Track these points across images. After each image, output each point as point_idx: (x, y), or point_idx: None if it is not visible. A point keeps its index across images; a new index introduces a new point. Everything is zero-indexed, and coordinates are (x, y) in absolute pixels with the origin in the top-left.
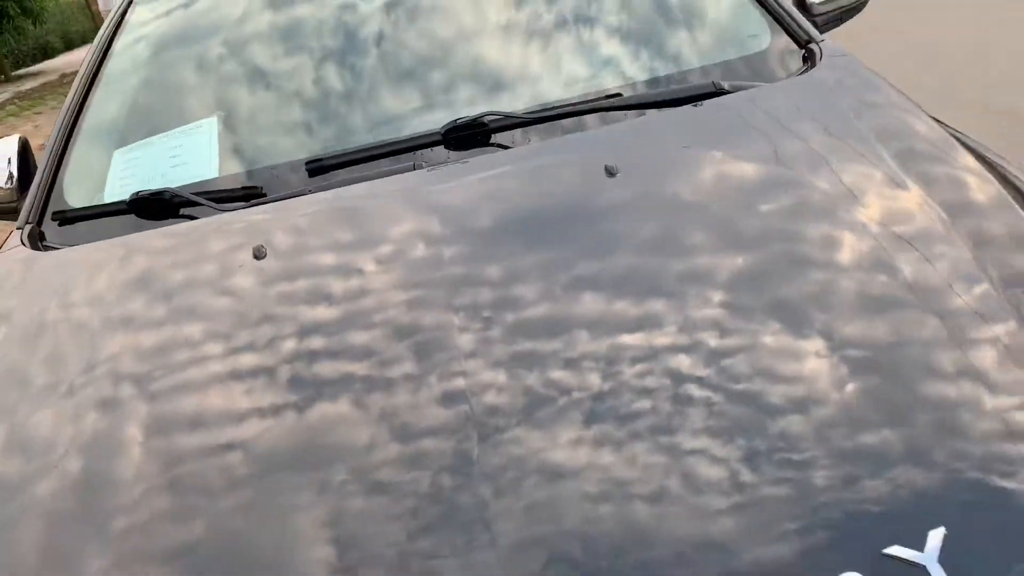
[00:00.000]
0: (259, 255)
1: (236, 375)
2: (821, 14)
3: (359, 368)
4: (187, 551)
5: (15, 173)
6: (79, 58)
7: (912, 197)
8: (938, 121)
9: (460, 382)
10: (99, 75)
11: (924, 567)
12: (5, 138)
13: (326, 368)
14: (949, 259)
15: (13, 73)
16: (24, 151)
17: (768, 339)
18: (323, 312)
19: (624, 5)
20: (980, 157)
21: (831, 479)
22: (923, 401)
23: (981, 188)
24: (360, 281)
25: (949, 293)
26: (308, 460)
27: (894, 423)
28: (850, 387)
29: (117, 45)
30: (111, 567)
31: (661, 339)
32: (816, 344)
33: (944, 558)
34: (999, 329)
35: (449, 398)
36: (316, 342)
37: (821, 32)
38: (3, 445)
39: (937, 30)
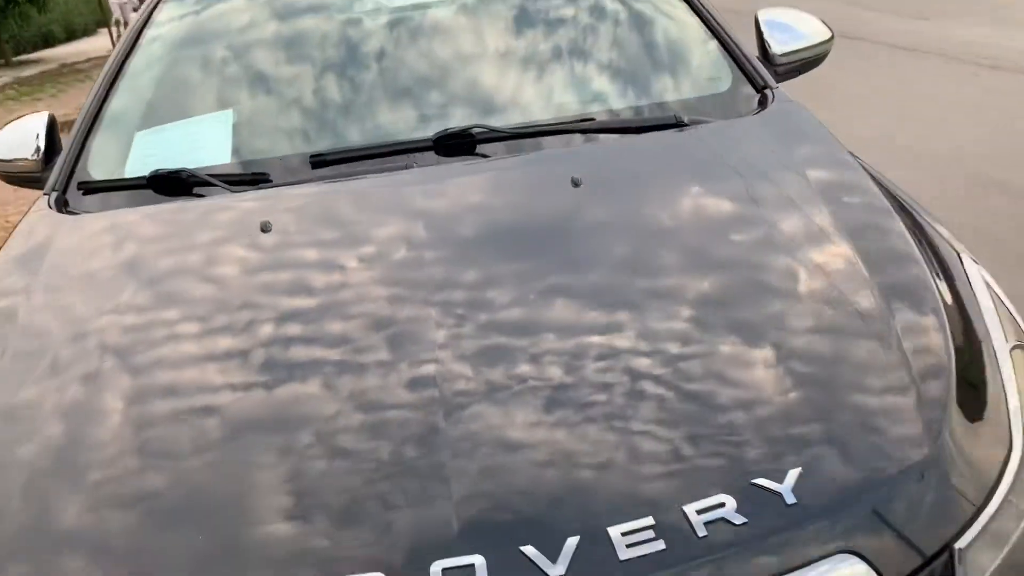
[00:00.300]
0: (265, 229)
1: (247, 311)
2: (782, 64)
3: (347, 309)
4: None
5: (42, 146)
6: (80, 48)
7: (819, 221)
8: (857, 158)
9: (429, 310)
10: (127, 62)
11: (781, 495)
12: (35, 113)
13: (310, 309)
14: (839, 267)
15: (14, 59)
16: (52, 127)
17: (664, 317)
18: (317, 276)
19: (605, 41)
20: (885, 190)
21: (717, 430)
22: (795, 376)
23: (875, 215)
24: (350, 252)
25: (834, 294)
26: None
27: (773, 392)
28: (739, 362)
29: (145, 36)
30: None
31: (593, 314)
32: (711, 321)
33: (797, 489)
34: (871, 322)
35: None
36: (309, 297)
37: (779, 81)
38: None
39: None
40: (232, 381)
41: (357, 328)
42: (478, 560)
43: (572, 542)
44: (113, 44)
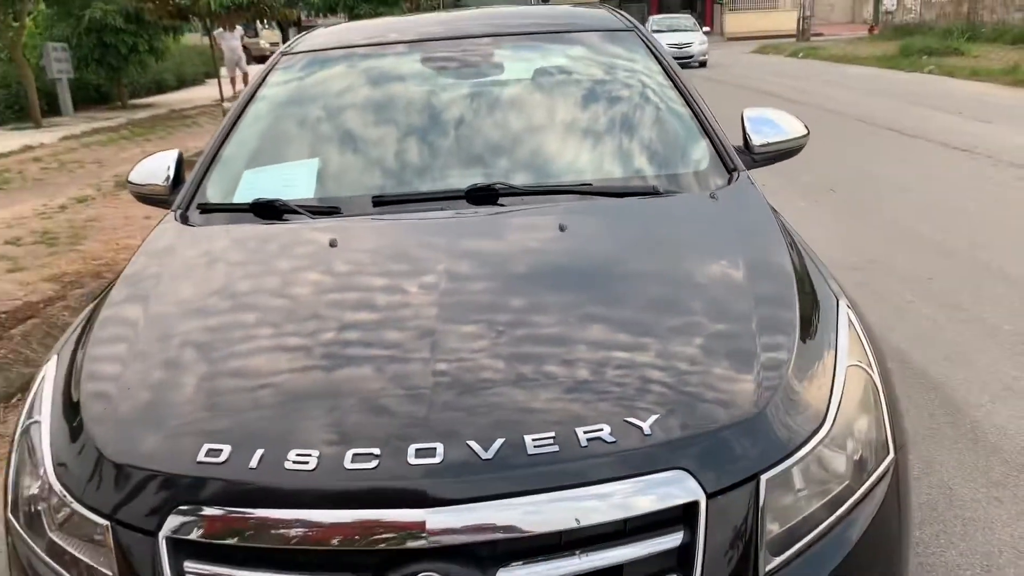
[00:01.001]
0: (333, 243)
1: (314, 296)
2: (760, 154)
3: (380, 290)
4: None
5: (171, 176)
6: (188, 96)
7: (729, 266)
8: (785, 225)
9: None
10: (242, 115)
11: (641, 428)
12: (169, 150)
13: (358, 286)
14: (728, 294)
15: (129, 102)
16: (179, 162)
17: (594, 310)
18: (366, 273)
19: (609, 124)
20: (797, 250)
21: (609, 385)
22: (671, 354)
23: (773, 264)
24: (390, 259)
25: (715, 308)
26: (331, 320)
27: (654, 364)
28: (637, 343)
29: (258, 95)
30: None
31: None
32: (625, 315)
33: (653, 426)
34: (736, 323)
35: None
36: (359, 288)
37: (757, 166)
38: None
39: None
40: (303, 299)
41: (385, 297)
42: (439, 446)
43: (499, 441)
44: (221, 94)
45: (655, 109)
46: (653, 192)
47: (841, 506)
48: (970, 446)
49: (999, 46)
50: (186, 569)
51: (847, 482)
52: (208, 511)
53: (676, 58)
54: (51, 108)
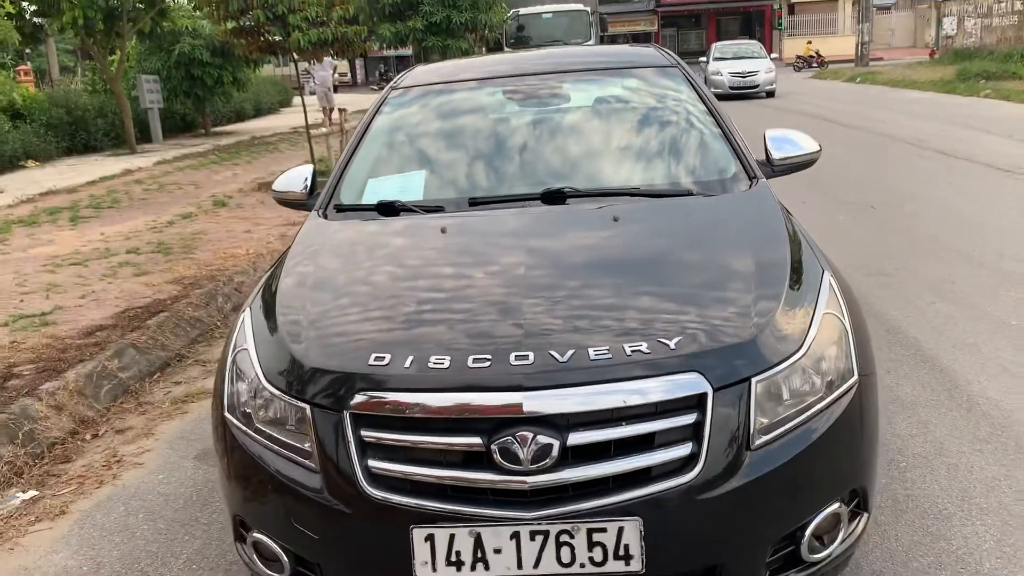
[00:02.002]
0: (444, 231)
1: (437, 263)
2: (778, 165)
3: (483, 258)
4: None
5: (308, 184)
6: (267, 124)
7: (740, 238)
8: (790, 215)
9: (519, 269)
10: (363, 137)
11: (668, 344)
12: (305, 164)
13: (468, 260)
14: (737, 258)
15: (212, 130)
16: (314, 174)
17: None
18: (469, 247)
19: (656, 140)
20: (795, 233)
21: (649, 315)
22: (692, 296)
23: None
24: (487, 239)
25: (727, 263)
26: (451, 278)
27: (681, 302)
28: (669, 288)
29: (374, 122)
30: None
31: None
32: (661, 265)
33: (676, 345)
34: (740, 275)
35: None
36: (467, 257)
37: (774, 176)
38: (334, 279)
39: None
40: (428, 264)
41: (488, 262)
42: (531, 354)
43: (571, 351)
44: (306, 121)
45: (691, 130)
46: (687, 193)
47: (812, 408)
48: (963, 413)
49: None
50: (362, 435)
51: (820, 393)
52: (377, 395)
53: (739, 88)
54: (142, 135)
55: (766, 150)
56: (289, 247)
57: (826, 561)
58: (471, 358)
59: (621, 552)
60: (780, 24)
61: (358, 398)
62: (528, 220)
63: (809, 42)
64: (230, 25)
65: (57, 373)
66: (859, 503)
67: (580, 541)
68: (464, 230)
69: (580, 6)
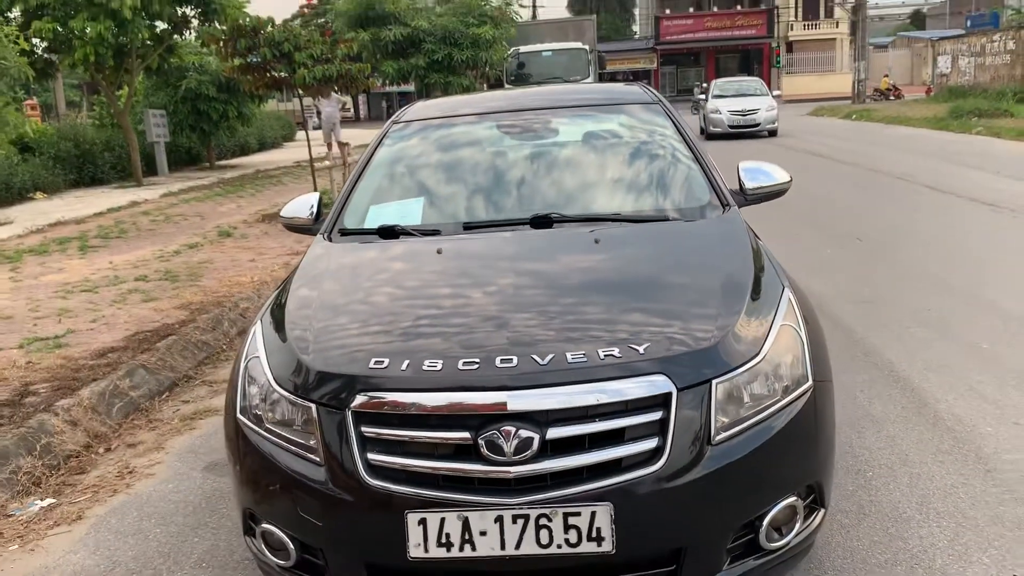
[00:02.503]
0: (440, 252)
1: (433, 280)
2: (751, 194)
3: (476, 274)
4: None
5: (314, 211)
6: (270, 158)
7: (710, 258)
8: (757, 238)
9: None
10: (365, 169)
11: (638, 349)
12: (311, 193)
13: (462, 277)
14: (707, 274)
15: (216, 163)
16: (320, 201)
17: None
18: (463, 267)
19: (635, 171)
20: (758, 251)
21: (620, 324)
22: (660, 307)
23: (740, 257)
24: (480, 259)
25: (697, 279)
26: (445, 293)
27: (653, 311)
28: (643, 297)
29: (376, 155)
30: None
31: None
32: (637, 281)
33: (645, 350)
34: (708, 291)
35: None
36: (460, 275)
37: (747, 204)
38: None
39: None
40: (424, 281)
41: (480, 278)
42: (515, 358)
43: (550, 355)
44: (310, 154)
45: (670, 161)
46: (664, 219)
47: (769, 409)
48: (929, 428)
49: None
50: (363, 431)
51: (776, 396)
52: (376, 395)
53: (739, 127)
54: (148, 168)
55: (739, 180)
56: (297, 266)
57: (783, 550)
58: (461, 361)
59: (594, 534)
60: (779, 62)
61: (359, 398)
62: (517, 242)
63: (886, 75)
64: (237, 62)
65: (71, 391)
66: (815, 499)
67: (557, 524)
68: (458, 251)
69: (579, 44)
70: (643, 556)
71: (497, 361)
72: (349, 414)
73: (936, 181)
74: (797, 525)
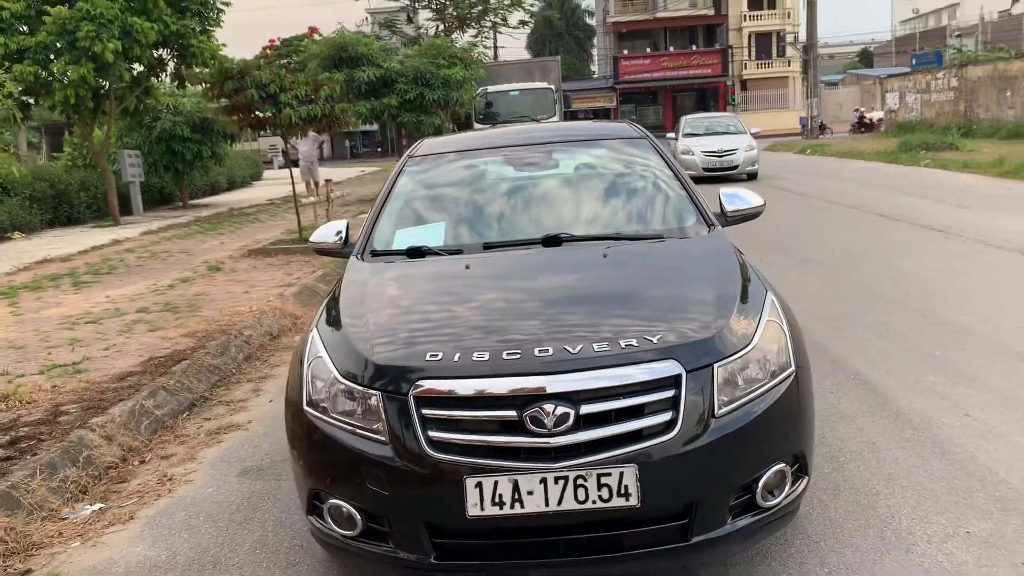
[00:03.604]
0: (468, 267)
1: (466, 289)
2: (731, 216)
3: (504, 284)
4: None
5: (344, 235)
6: (241, 197)
7: (701, 270)
8: (739, 252)
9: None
10: (388, 198)
11: (652, 340)
12: (340, 219)
13: (491, 286)
14: (697, 278)
15: (189, 202)
16: (347, 227)
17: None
18: (491, 278)
19: (632, 197)
20: (743, 264)
21: (637, 320)
22: (667, 304)
23: (727, 267)
24: (504, 271)
25: (690, 282)
26: (480, 299)
27: (660, 308)
28: (652, 297)
29: (396, 185)
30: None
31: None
32: (641, 282)
33: (658, 340)
34: (703, 293)
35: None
36: (490, 285)
37: (728, 224)
38: (381, 304)
39: None
40: (459, 290)
41: (508, 287)
42: (550, 348)
43: (580, 345)
44: (295, 193)
45: (660, 188)
46: (659, 238)
47: (760, 389)
48: (892, 421)
49: (993, 141)
50: (424, 413)
51: (765, 379)
52: (435, 382)
53: (715, 169)
54: (123, 208)
55: (720, 204)
56: (340, 282)
57: (775, 508)
58: (505, 352)
59: (622, 491)
60: (733, 100)
61: (420, 385)
62: (534, 258)
63: (856, 109)
64: (222, 103)
65: (101, 410)
66: (800, 467)
67: (592, 484)
68: (484, 266)
69: (545, 84)
70: (663, 509)
71: (535, 351)
72: (411, 399)
73: (889, 210)
74: (786, 488)
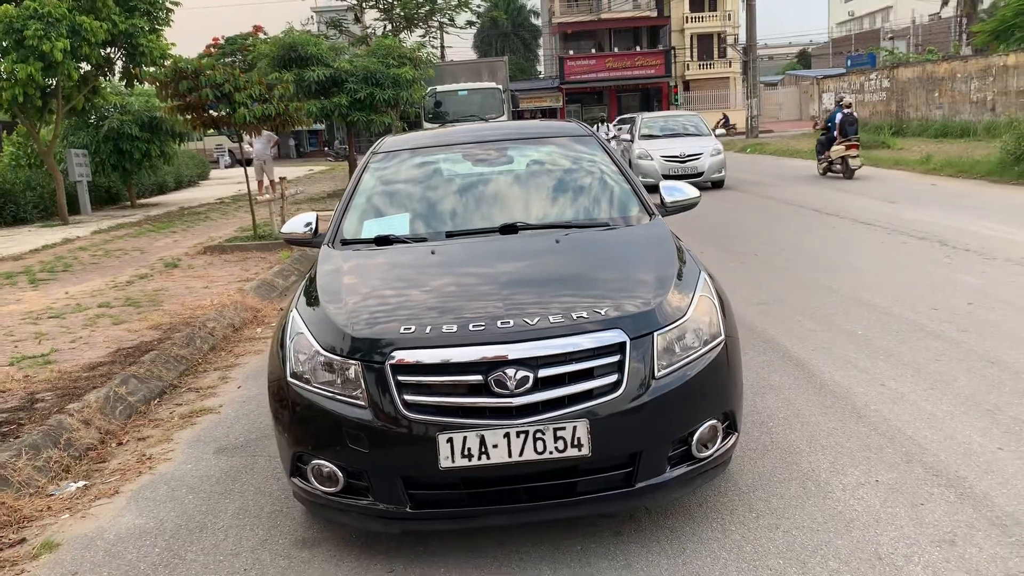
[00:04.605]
0: (433, 252)
1: (433, 272)
2: (670, 206)
3: (468, 268)
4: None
5: (313, 226)
6: (190, 196)
7: (641, 251)
8: (678, 242)
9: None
10: (355, 191)
11: (600, 312)
12: (307, 212)
13: (456, 269)
14: (637, 258)
15: (138, 201)
16: (316, 219)
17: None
18: (455, 262)
19: (580, 191)
20: (679, 247)
21: (586, 296)
22: (610, 281)
23: (665, 247)
24: (467, 256)
25: (631, 263)
26: (446, 280)
27: (608, 285)
28: (596, 274)
29: (362, 180)
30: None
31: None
32: (589, 264)
33: (606, 312)
34: (645, 270)
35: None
36: (454, 268)
37: (668, 214)
38: (355, 286)
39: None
40: (426, 273)
41: (471, 271)
42: (511, 320)
43: (537, 318)
44: (249, 191)
45: (605, 181)
46: (605, 225)
47: (694, 354)
48: (816, 391)
49: (923, 139)
50: (399, 379)
51: (699, 346)
52: (408, 353)
53: (675, 177)
54: (70, 207)
55: (660, 196)
56: (314, 267)
57: (708, 459)
58: (471, 324)
59: (576, 443)
60: (677, 100)
61: (395, 354)
62: (493, 245)
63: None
64: (176, 102)
65: (76, 397)
66: (730, 424)
67: (548, 437)
68: (448, 251)
69: (493, 84)
70: (611, 459)
71: (498, 324)
72: (388, 367)
73: (822, 206)
74: (718, 442)
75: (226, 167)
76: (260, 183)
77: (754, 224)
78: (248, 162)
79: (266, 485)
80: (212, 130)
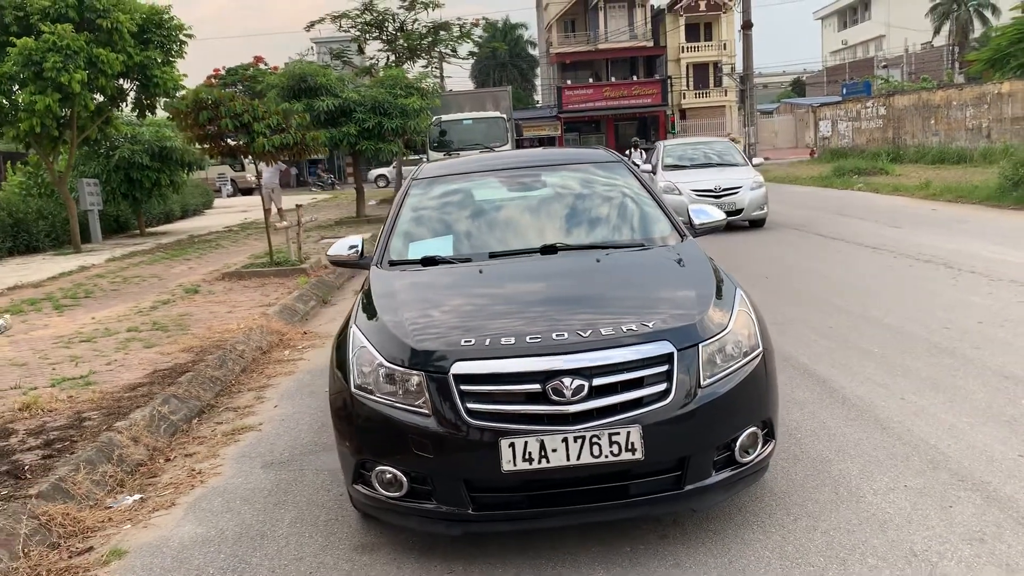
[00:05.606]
0: (481, 271)
1: (483, 289)
2: (699, 228)
3: (515, 285)
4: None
5: (359, 249)
6: (198, 224)
7: (680, 270)
8: (713, 262)
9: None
10: (399, 216)
11: (648, 325)
12: (356, 235)
13: (505, 286)
14: (678, 278)
15: (147, 230)
16: (363, 242)
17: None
18: (503, 280)
19: (616, 214)
20: (714, 267)
21: (636, 309)
22: (655, 297)
23: (703, 269)
24: (510, 274)
25: (673, 283)
26: (497, 296)
27: (652, 300)
28: (639, 293)
29: (404, 204)
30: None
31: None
32: (629, 283)
33: (654, 326)
34: (688, 289)
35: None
36: (504, 285)
37: (697, 235)
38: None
39: None
40: (477, 289)
41: (518, 288)
42: (566, 332)
43: (590, 330)
44: (267, 218)
45: (637, 204)
46: (642, 246)
47: (735, 365)
48: (839, 406)
49: (920, 166)
50: (462, 388)
51: (739, 357)
52: (470, 363)
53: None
54: (82, 236)
55: (689, 218)
56: (366, 286)
57: (749, 464)
58: (528, 337)
59: (629, 447)
60: (674, 128)
61: (457, 365)
62: (536, 264)
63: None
64: (196, 132)
65: (122, 415)
66: (768, 431)
67: (604, 441)
68: (494, 270)
69: (497, 113)
70: (661, 463)
71: (553, 336)
72: (451, 377)
73: (825, 230)
74: (758, 448)
75: (228, 196)
76: (267, 211)
77: (762, 249)
78: (243, 191)
79: (318, 496)
80: (217, 159)
